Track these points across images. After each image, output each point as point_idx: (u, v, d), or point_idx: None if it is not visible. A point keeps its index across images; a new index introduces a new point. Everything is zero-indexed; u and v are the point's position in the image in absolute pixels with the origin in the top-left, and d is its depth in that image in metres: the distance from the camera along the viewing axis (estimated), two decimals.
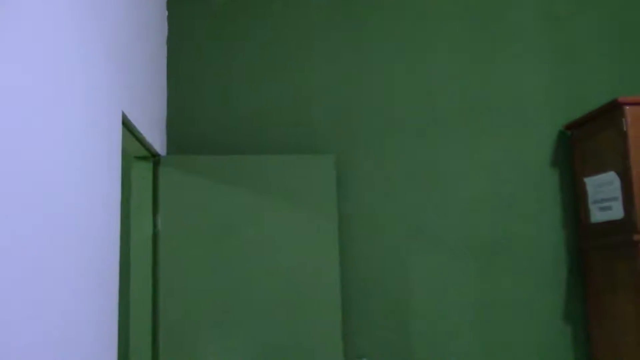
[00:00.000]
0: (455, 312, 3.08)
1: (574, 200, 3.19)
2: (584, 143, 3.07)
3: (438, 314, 3.07)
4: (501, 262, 3.13)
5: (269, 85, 3.18)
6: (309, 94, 3.19)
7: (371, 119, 3.20)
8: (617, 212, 2.76)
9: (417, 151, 3.19)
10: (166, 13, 3.19)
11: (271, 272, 2.83)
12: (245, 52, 3.20)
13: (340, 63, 3.23)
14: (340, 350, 2.80)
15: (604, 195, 2.86)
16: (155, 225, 2.83)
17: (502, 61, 3.30)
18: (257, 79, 3.18)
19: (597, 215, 2.93)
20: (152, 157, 2.87)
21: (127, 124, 2.29)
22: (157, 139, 2.84)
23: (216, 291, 2.79)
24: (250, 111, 3.16)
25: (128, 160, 2.90)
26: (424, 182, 3.17)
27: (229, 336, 2.76)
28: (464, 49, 3.29)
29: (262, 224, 2.86)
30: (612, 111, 2.80)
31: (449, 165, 3.19)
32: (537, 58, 3.31)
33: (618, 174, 2.75)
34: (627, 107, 2.71)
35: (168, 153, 3.08)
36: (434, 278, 3.10)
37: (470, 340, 3.06)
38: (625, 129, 2.70)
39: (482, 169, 3.20)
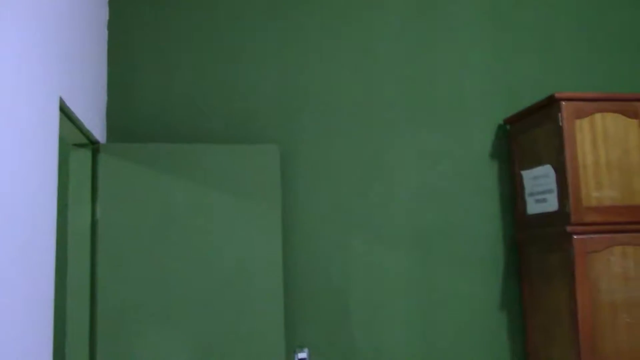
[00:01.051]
0: (395, 301, 3.13)
1: (512, 193, 3.28)
2: (521, 137, 3.16)
3: (378, 303, 3.11)
4: (440, 252, 3.20)
5: (213, 74, 3.14)
6: (253, 83, 3.16)
7: (316, 110, 3.20)
8: (552, 204, 2.86)
9: (360, 142, 3.21)
10: None
11: (213, 262, 2.81)
12: (189, 39, 3.15)
13: (285, 53, 3.22)
14: (282, 340, 2.80)
15: (540, 188, 2.96)
16: (94, 215, 2.76)
17: (444, 55, 3.35)
18: (201, 66, 3.14)
19: (533, 208, 3.03)
20: (91, 144, 2.80)
21: (64, 110, 2.22)
22: (96, 126, 2.77)
23: (156, 281, 2.75)
24: (193, 99, 3.11)
25: (66, 148, 2.82)
26: (367, 173, 3.20)
27: (169, 327, 2.73)
28: (407, 42, 3.33)
29: (204, 214, 2.83)
30: (548, 106, 2.88)
31: (391, 156, 3.23)
32: (479, 52, 3.38)
33: (553, 167, 2.84)
34: (564, 103, 2.79)
35: (108, 141, 3.01)
36: (375, 268, 3.14)
37: (409, 329, 3.12)
38: (561, 123, 2.78)
39: (423, 160, 3.25)
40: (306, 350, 3.01)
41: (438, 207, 3.23)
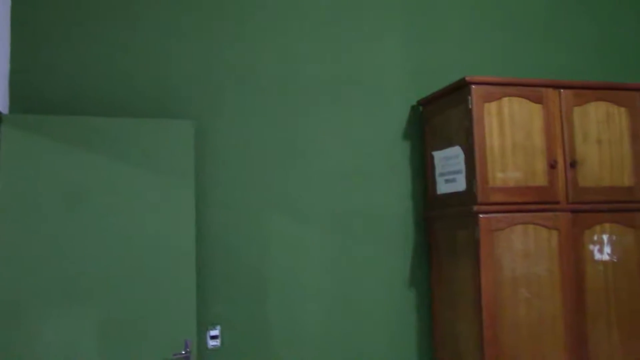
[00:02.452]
0: (311, 279, 3.17)
1: (423, 173, 3.37)
2: (434, 118, 3.24)
3: (294, 280, 3.14)
4: (354, 229, 3.25)
5: (129, 45, 3.03)
6: (171, 57, 3.08)
7: (235, 86, 3.16)
8: (460, 184, 2.96)
9: (278, 121, 3.20)
10: None
11: (122, 240, 2.74)
12: (102, 8, 3.02)
13: (204, 28, 3.15)
14: (194, 318, 2.78)
15: (450, 168, 3.05)
16: None
17: (363, 36, 3.38)
18: (115, 37, 3.02)
19: (443, 187, 3.12)
20: None
21: None
22: None
23: (62, 261, 2.65)
24: (104, 70, 3.00)
25: None
26: (285, 151, 3.20)
27: (76, 308, 2.65)
28: (325, 23, 3.33)
29: (114, 190, 2.75)
30: (460, 89, 2.97)
31: (310, 135, 3.24)
32: (395, 34, 3.43)
33: (463, 148, 2.94)
34: (474, 86, 2.88)
35: (11, 112, 2.86)
36: (291, 245, 3.16)
37: (323, 305, 3.17)
38: (470, 106, 2.87)
39: (341, 140, 3.28)
40: (218, 327, 3.00)
41: (353, 185, 3.28)
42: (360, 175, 3.29)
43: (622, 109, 3.09)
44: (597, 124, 3.04)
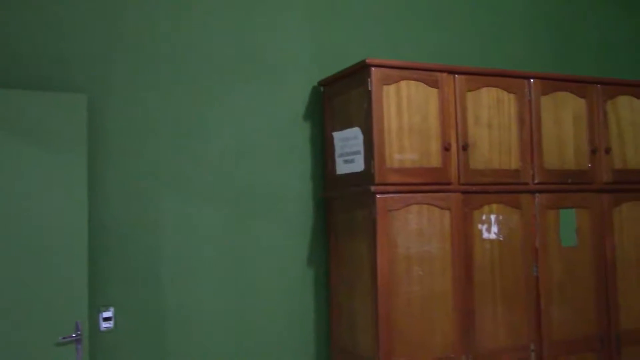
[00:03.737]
0: (207, 259, 3.13)
1: (323, 153, 3.40)
2: (334, 99, 3.27)
3: (190, 260, 3.09)
4: (253, 209, 3.24)
5: (17, 13, 2.83)
6: (63, 27, 2.91)
7: (130, 61, 3.04)
8: (358, 165, 3.01)
9: (176, 96, 3.12)
10: None
11: (9, 219, 2.59)
12: None
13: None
14: (85, 300, 2.68)
15: (349, 149, 3.10)
16: None
17: (263, 14, 3.34)
18: (2, 3, 2.82)
19: (342, 168, 3.17)
20: None
21: None
22: None
23: None
24: None
25: None
26: (182, 128, 3.12)
27: None
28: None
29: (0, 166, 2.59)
30: (360, 71, 3.00)
31: (207, 113, 3.18)
32: (297, 14, 3.42)
33: (362, 130, 2.99)
34: (373, 69, 2.93)
35: None
36: (187, 225, 3.10)
37: (220, 285, 3.14)
38: (370, 88, 2.92)
39: (239, 118, 3.25)
40: (111, 309, 2.91)
41: (252, 165, 3.26)
42: (259, 155, 3.28)
43: (512, 95, 3.25)
44: (488, 109, 3.18)
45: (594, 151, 3.44)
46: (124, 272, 2.96)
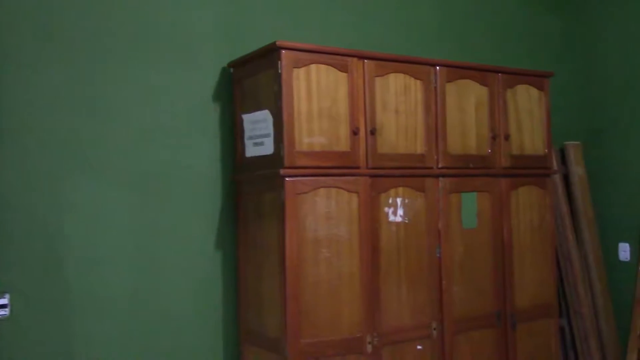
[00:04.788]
0: (112, 241, 3.04)
1: (233, 135, 3.36)
2: (244, 81, 3.24)
3: (95, 244, 2.99)
4: (160, 192, 3.17)
5: None
6: None
7: (35, 35, 2.87)
8: (268, 148, 3.00)
9: (78, 73, 2.99)
10: None
11: None
12: None
13: None
14: None
15: (258, 132, 3.08)
16: None
17: None
18: None
19: (251, 150, 3.15)
20: None
21: None
22: None
23: None
24: None
25: None
26: (85, 109, 3.00)
27: None
28: None
29: None
30: (270, 53, 2.99)
31: (112, 92, 3.07)
32: None
33: (271, 112, 2.98)
34: (284, 51, 2.92)
35: None
36: (92, 207, 2.99)
37: (127, 269, 3.06)
38: (280, 71, 2.91)
39: (146, 98, 3.16)
40: (7, 295, 2.77)
41: (159, 147, 3.18)
42: (168, 136, 3.20)
43: (418, 82, 3.33)
44: (396, 95, 3.25)
45: (494, 137, 3.59)
46: (21, 257, 2.82)
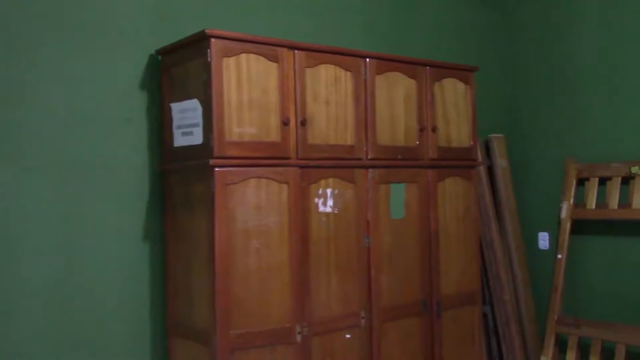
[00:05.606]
0: (32, 234, 2.92)
1: (161, 124, 3.29)
2: (173, 69, 3.17)
3: (12, 236, 2.87)
4: (85, 182, 3.07)
5: None
6: None
7: None
8: (197, 137, 2.96)
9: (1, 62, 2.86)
10: None
11: None
12: None
13: None
14: None
15: (187, 121, 3.03)
16: None
17: None
18: None
19: (180, 140, 3.10)
20: None
21: None
22: None
23: None
24: None
25: None
26: (6, 96, 2.87)
27: None
28: None
29: None
30: (199, 42, 2.94)
31: (32, 77, 2.94)
32: None
33: (201, 101, 2.93)
34: (213, 40, 2.87)
35: None
36: (9, 200, 2.87)
37: (48, 262, 2.95)
38: (209, 60, 2.87)
39: (69, 85, 3.05)
40: None
41: (82, 136, 3.07)
42: (91, 125, 3.10)
43: (348, 74, 3.36)
44: (326, 86, 3.26)
45: (422, 129, 3.67)
46: None
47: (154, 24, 3.31)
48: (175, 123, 3.13)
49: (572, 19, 4.59)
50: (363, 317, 3.35)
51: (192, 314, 3.03)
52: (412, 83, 3.65)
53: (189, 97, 3.02)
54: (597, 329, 4.15)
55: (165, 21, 3.34)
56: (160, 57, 3.29)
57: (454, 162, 3.85)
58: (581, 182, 4.44)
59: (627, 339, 3.96)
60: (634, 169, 4.10)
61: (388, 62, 3.54)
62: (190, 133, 3.01)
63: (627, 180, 4.18)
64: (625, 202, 4.16)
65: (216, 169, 2.84)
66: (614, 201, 4.19)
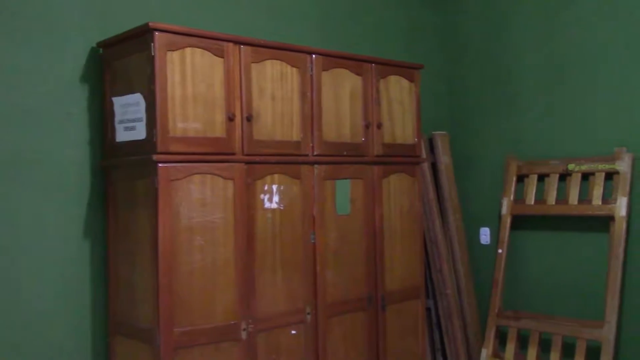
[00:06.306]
0: None
1: (102, 119, 3.22)
2: (115, 62, 3.10)
3: None
4: (22, 178, 2.97)
5: None
6: None
7: None
8: (140, 132, 2.90)
9: None
10: None
11: None
12: None
13: None
14: None
15: (130, 116, 2.97)
16: None
17: None
18: None
19: (122, 135, 3.03)
20: None
21: None
22: None
23: None
24: None
25: None
26: None
27: None
28: None
29: None
30: (143, 35, 2.88)
31: None
32: None
33: (144, 96, 2.88)
34: (157, 33, 2.82)
35: None
36: None
37: None
38: (153, 53, 2.82)
39: (7, 79, 2.94)
40: None
41: (21, 131, 2.97)
42: (30, 120, 3.00)
43: (294, 70, 3.35)
44: (272, 82, 3.25)
45: (367, 126, 3.70)
46: None
47: (95, 16, 3.22)
48: (117, 118, 3.06)
49: (514, 21, 4.70)
50: (308, 313, 3.36)
51: (135, 312, 2.98)
52: (358, 80, 3.67)
53: (132, 92, 2.96)
54: (536, 321, 4.27)
55: (107, 13, 3.26)
56: (101, 50, 3.21)
57: (398, 158, 3.90)
58: (521, 178, 4.56)
59: (564, 330, 4.10)
60: (571, 166, 4.24)
61: (334, 59, 3.55)
62: (133, 128, 2.95)
63: (564, 177, 4.32)
64: (562, 198, 4.30)
65: (160, 165, 2.80)
66: (551, 197, 4.32)
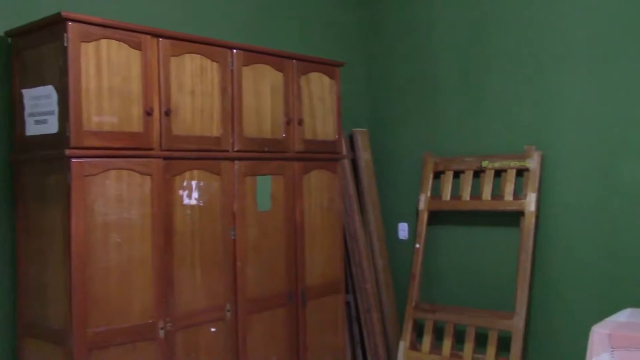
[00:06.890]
0: None
1: (11, 112, 3.07)
2: (25, 53, 2.97)
3: None
4: None
5: None
6: None
7: None
8: (52, 126, 2.79)
9: None
10: None
11: None
12: None
13: None
14: None
15: (41, 108, 2.85)
16: None
17: None
18: None
19: (33, 129, 2.91)
20: None
21: None
22: None
23: None
24: None
25: None
26: None
27: None
28: None
29: None
30: (55, 25, 2.77)
31: None
32: None
33: (56, 88, 2.77)
34: (70, 23, 2.72)
35: None
36: None
37: None
38: (66, 44, 2.71)
39: None
40: None
41: None
42: None
43: (215, 64, 3.31)
44: (192, 76, 3.20)
45: (288, 122, 3.70)
46: None
47: (4, 3, 3.07)
48: (28, 110, 2.93)
49: (432, 20, 4.82)
50: (228, 310, 3.34)
51: (46, 312, 2.86)
52: (279, 76, 3.67)
53: (43, 83, 2.84)
54: (450, 313, 4.42)
55: (17, 1, 3.11)
56: (10, 40, 3.06)
57: (319, 155, 3.93)
58: (438, 175, 4.69)
59: (477, 321, 4.26)
60: (484, 163, 4.40)
61: (255, 54, 3.53)
62: (45, 121, 2.83)
63: (478, 174, 4.48)
64: (476, 194, 4.45)
65: (73, 160, 2.70)
66: (466, 193, 4.47)
